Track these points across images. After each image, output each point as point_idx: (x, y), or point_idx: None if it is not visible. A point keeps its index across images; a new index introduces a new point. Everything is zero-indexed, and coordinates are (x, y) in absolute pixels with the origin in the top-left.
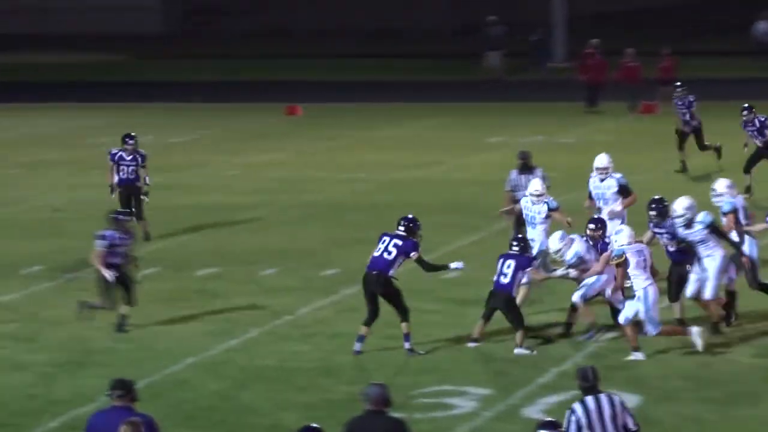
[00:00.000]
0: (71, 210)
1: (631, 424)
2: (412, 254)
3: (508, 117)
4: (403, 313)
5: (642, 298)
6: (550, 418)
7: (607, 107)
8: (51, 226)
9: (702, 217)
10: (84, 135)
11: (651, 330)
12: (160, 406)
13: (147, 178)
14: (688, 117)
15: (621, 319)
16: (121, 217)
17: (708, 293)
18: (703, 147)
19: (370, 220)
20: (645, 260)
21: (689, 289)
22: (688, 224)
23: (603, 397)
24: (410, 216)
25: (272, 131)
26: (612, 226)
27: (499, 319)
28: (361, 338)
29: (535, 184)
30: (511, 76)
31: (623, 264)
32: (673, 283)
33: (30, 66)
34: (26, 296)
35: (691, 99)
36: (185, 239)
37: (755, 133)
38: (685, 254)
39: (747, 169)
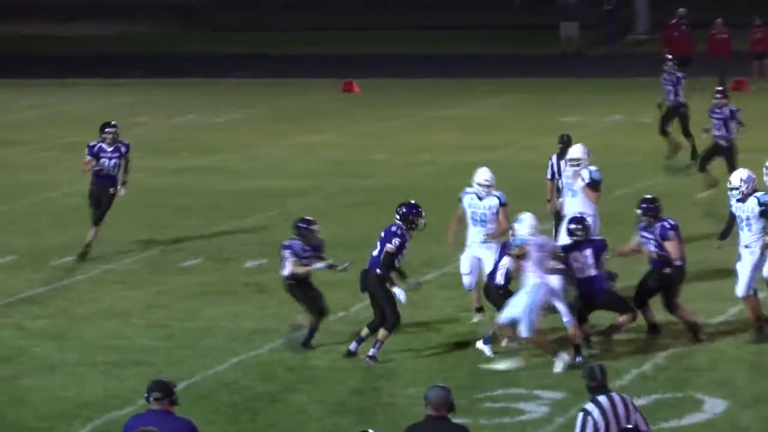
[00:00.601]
0: None
1: (643, 426)
2: (387, 245)
3: (584, 94)
4: (386, 319)
5: (530, 294)
6: (629, 426)
7: (695, 83)
8: (84, 213)
9: (762, 194)
10: (118, 114)
11: (523, 331)
12: (202, 410)
13: (127, 169)
14: (672, 96)
15: (502, 317)
16: (305, 227)
17: (740, 289)
18: (686, 132)
19: (432, 207)
20: (545, 257)
21: (739, 288)
22: (743, 198)
23: (616, 396)
24: (410, 201)
25: (325, 109)
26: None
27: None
28: (359, 339)
29: (483, 174)
30: (589, 49)
31: (523, 257)
32: (644, 289)
33: (54, 38)
34: (57, 290)
35: (680, 75)
36: (229, 228)
37: (720, 123)
38: (666, 263)
39: (702, 167)
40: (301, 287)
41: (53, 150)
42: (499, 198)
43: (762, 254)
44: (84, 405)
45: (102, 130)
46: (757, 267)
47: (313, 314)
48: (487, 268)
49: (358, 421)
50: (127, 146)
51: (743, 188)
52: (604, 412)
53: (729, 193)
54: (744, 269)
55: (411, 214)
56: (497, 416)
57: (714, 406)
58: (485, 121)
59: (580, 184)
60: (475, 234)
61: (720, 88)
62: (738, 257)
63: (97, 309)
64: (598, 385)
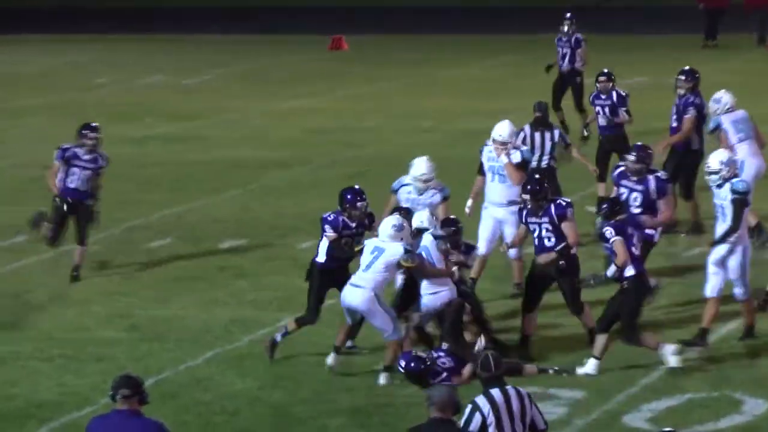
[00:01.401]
0: None
1: (540, 423)
2: (325, 233)
3: (602, 53)
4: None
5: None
6: (668, 429)
7: (729, 40)
8: (39, 187)
9: (737, 180)
10: (75, 74)
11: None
12: (172, 410)
13: (98, 191)
14: (565, 63)
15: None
16: (351, 198)
17: (738, 291)
18: (579, 107)
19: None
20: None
21: (708, 287)
22: (721, 184)
23: (511, 390)
24: (352, 187)
25: (310, 70)
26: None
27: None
28: (285, 332)
29: (421, 167)
30: (609, 2)
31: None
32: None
33: None
34: (7, 274)
35: (580, 37)
36: (203, 204)
37: (605, 111)
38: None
39: (602, 176)
40: (333, 276)
41: (1, 113)
42: (441, 192)
43: (736, 249)
44: (38, 404)
45: (81, 132)
46: (740, 263)
47: (309, 314)
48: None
49: (350, 423)
50: (107, 160)
51: (723, 172)
52: (496, 406)
53: (706, 178)
54: (724, 265)
55: (348, 202)
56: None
57: (754, 406)
58: (493, 83)
59: (504, 160)
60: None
61: (604, 70)
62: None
63: (52, 296)
64: (491, 377)
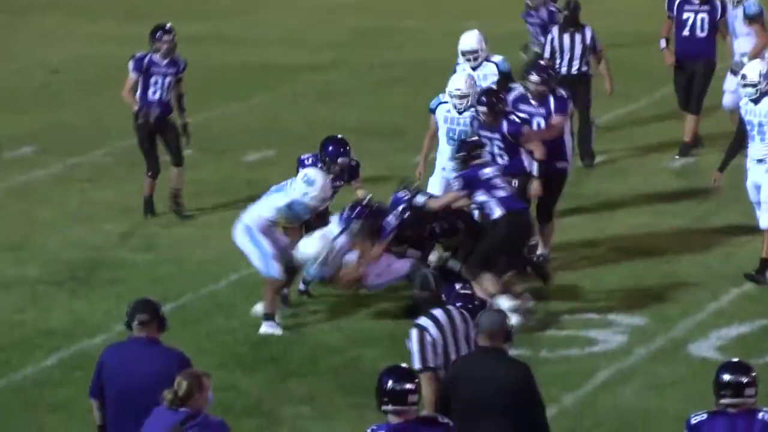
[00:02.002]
0: (73, 71)
1: None
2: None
3: None
4: None
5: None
6: (737, 359)
7: None
8: (46, 93)
9: None
10: None
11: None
12: (193, 338)
13: (183, 101)
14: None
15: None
16: (332, 150)
17: (764, 221)
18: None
19: None
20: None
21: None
22: (758, 98)
23: (453, 311)
24: (335, 137)
25: None
26: None
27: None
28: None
29: (458, 81)
30: None
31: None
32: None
33: None
34: (12, 189)
35: (553, 9)
36: (227, 112)
37: (537, 29)
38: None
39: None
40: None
41: (4, 13)
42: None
43: None
44: (47, 332)
45: (153, 36)
46: None
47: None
48: None
49: (386, 354)
50: (185, 63)
51: (762, 85)
52: (441, 328)
53: (742, 90)
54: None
55: (327, 155)
56: (563, 347)
57: None
58: None
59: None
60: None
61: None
62: (745, 174)
63: (61, 213)
64: (432, 297)
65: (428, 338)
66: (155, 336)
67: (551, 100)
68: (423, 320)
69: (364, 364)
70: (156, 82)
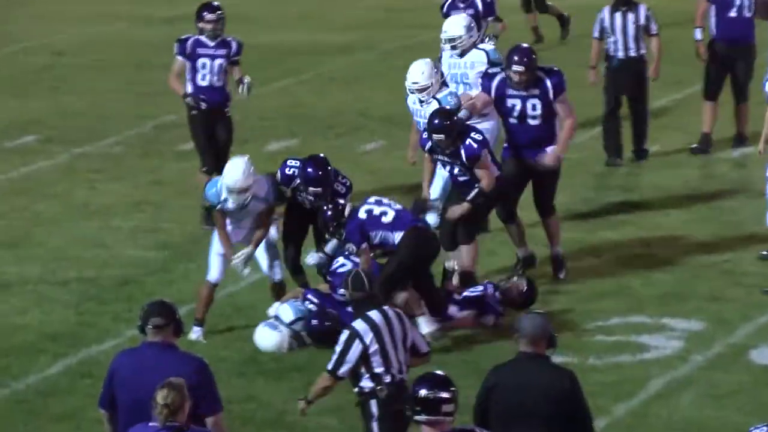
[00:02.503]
0: (79, 52)
1: (422, 346)
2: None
3: None
4: None
5: None
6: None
7: None
8: (52, 77)
9: None
10: None
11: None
12: (210, 344)
13: (246, 83)
14: None
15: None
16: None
17: None
18: (542, 6)
19: None
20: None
21: None
22: None
23: (390, 311)
24: (316, 157)
25: None
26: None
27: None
28: None
29: (414, 72)
30: None
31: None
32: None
33: None
34: (13, 180)
35: None
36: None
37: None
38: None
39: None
40: None
41: None
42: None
43: None
44: (51, 337)
45: (199, 15)
46: None
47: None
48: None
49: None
50: (239, 45)
51: None
52: (378, 330)
53: None
54: None
55: (305, 177)
56: (613, 354)
57: None
58: None
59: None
60: None
61: None
62: None
63: (66, 207)
64: (366, 297)
65: (355, 347)
66: (171, 341)
67: (547, 81)
68: (359, 324)
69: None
70: (204, 66)
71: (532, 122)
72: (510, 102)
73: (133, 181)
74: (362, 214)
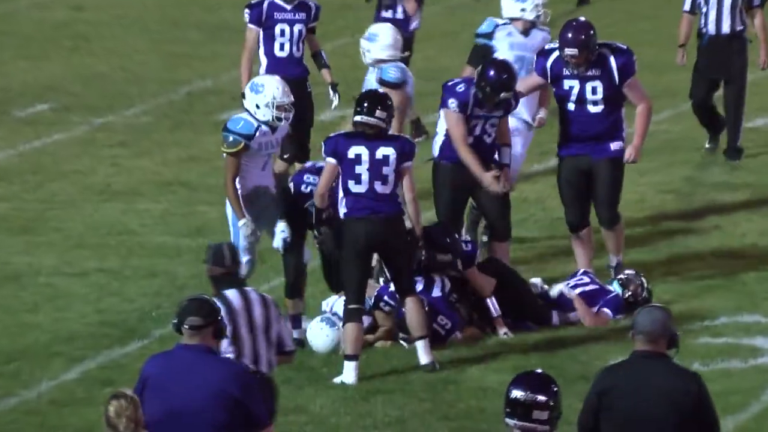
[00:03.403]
0: (102, 8)
1: (287, 342)
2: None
3: None
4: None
5: None
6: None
7: None
8: (67, 35)
9: None
10: None
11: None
12: None
13: (323, 56)
14: None
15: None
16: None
17: None
18: None
19: None
20: None
21: None
22: None
23: (252, 293)
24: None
25: None
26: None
27: None
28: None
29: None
30: None
31: None
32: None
33: None
34: (24, 155)
35: None
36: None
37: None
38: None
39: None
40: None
41: None
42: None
43: None
44: (67, 338)
45: None
46: None
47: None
48: None
49: (497, 366)
50: (317, 7)
51: None
52: (232, 311)
53: None
54: None
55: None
56: (720, 358)
57: None
58: None
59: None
60: None
61: None
62: None
63: (85, 187)
64: (226, 274)
65: None
66: (211, 344)
67: (611, 60)
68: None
69: (467, 380)
70: (282, 33)
71: (592, 109)
72: (567, 83)
73: (162, 156)
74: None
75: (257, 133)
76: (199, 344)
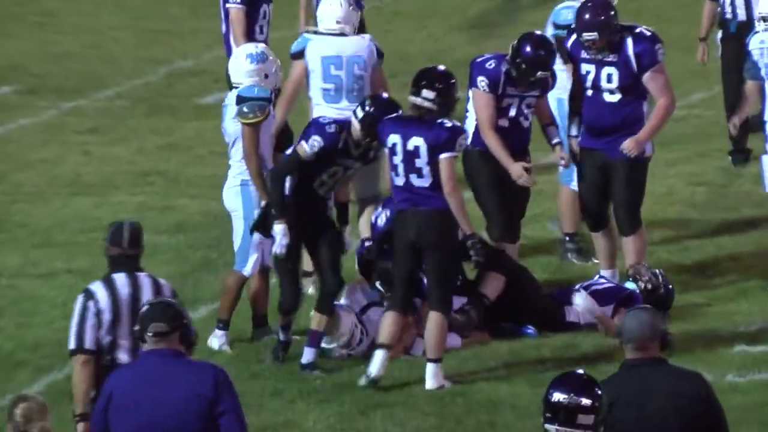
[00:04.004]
0: None
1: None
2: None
3: None
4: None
5: None
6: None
7: None
8: (34, 10)
9: None
10: None
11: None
12: (236, 354)
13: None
14: None
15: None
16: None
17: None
18: None
19: None
20: None
21: None
22: None
23: (144, 278)
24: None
25: None
26: None
27: None
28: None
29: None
30: None
31: None
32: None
33: None
34: None
35: None
36: (285, 36)
37: None
38: None
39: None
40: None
41: None
42: None
43: None
44: (33, 346)
45: None
46: None
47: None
48: None
49: (511, 376)
50: None
51: None
52: (115, 294)
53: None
54: None
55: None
56: (758, 369)
57: None
58: None
59: None
60: None
61: None
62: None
63: (53, 177)
64: (122, 255)
65: (92, 309)
66: (179, 349)
67: (629, 46)
68: (95, 284)
69: (477, 392)
70: (264, 15)
71: (608, 98)
72: (584, 68)
73: (138, 144)
74: None
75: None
76: (167, 348)
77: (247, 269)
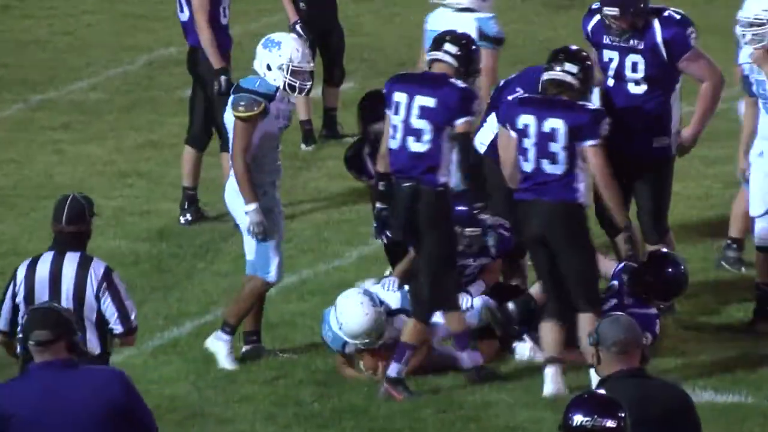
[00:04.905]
0: None
1: (117, 321)
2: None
3: None
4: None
5: None
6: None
7: None
8: None
9: None
10: None
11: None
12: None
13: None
14: None
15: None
16: None
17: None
18: None
19: None
20: None
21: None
22: None
23: (75, 258)
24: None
25: None
26: None
27: None
28: None
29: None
30: None
31: None
32: None
33: None
34: None
35: None
36: (276, 22)
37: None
38: None
39: None
40: None
41: None
42: None
43: None
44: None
45: None
46: None
47: None
48: None
49: (525, 400)
50: None
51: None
52: (32, 275)
53: (740, 30)
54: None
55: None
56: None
57: None
58: None
59: None
60: None
61: None
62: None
63: (21, 178)
64: (60, 233)
65: (10, 290)
66: (69, 357)
67: (657, 30)
68: (22, 264)
69: (492, 418)
70: None
71: (632, 89)
72: (607, 54)
73: (116, 142)
74: None
75: (277, 95)
76: (55, 359)
77: (272, 275)
